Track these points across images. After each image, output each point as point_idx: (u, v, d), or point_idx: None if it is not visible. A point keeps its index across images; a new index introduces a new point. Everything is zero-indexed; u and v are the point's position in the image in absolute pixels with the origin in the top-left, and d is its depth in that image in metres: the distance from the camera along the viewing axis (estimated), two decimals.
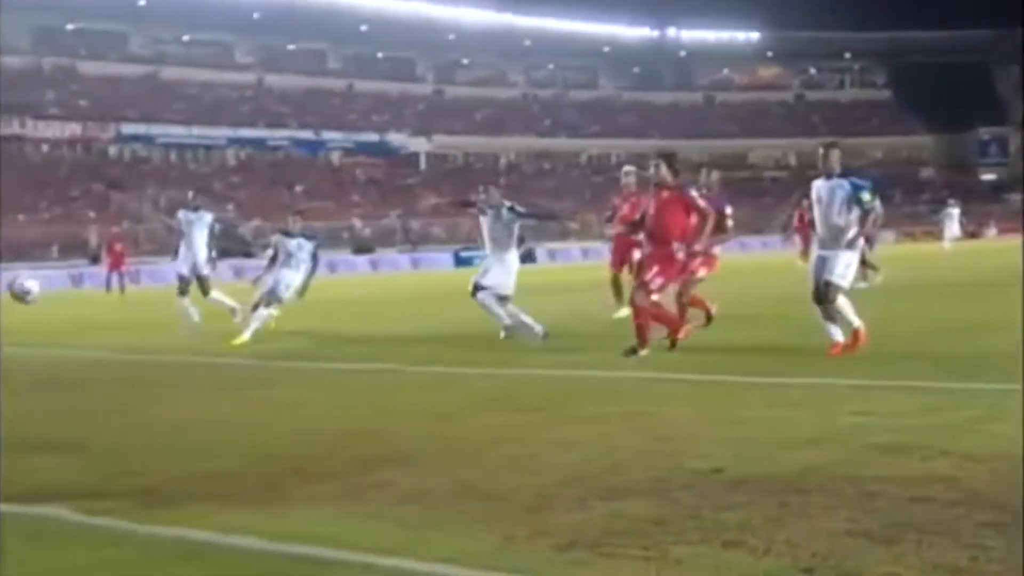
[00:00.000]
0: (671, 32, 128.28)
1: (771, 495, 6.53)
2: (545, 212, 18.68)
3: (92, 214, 76.57)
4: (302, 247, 19.31)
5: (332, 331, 20.81)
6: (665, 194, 14.47)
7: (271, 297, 18.69)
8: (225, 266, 58.71)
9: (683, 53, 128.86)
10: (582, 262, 66.34)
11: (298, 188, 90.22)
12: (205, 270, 21.69)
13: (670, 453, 7.91)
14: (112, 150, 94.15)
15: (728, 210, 17.20)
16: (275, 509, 6.76)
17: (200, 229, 21.95)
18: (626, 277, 19.08)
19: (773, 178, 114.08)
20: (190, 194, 24.45)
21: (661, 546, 5.59)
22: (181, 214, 22.53)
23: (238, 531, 6.20)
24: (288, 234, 19.52)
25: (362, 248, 77.57)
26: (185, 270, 21.84)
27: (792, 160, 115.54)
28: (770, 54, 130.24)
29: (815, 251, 14.13)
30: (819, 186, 13.81)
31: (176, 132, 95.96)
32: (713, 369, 12.72)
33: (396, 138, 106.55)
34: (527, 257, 70.80)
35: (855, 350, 13.08)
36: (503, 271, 16.80)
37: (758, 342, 15.46)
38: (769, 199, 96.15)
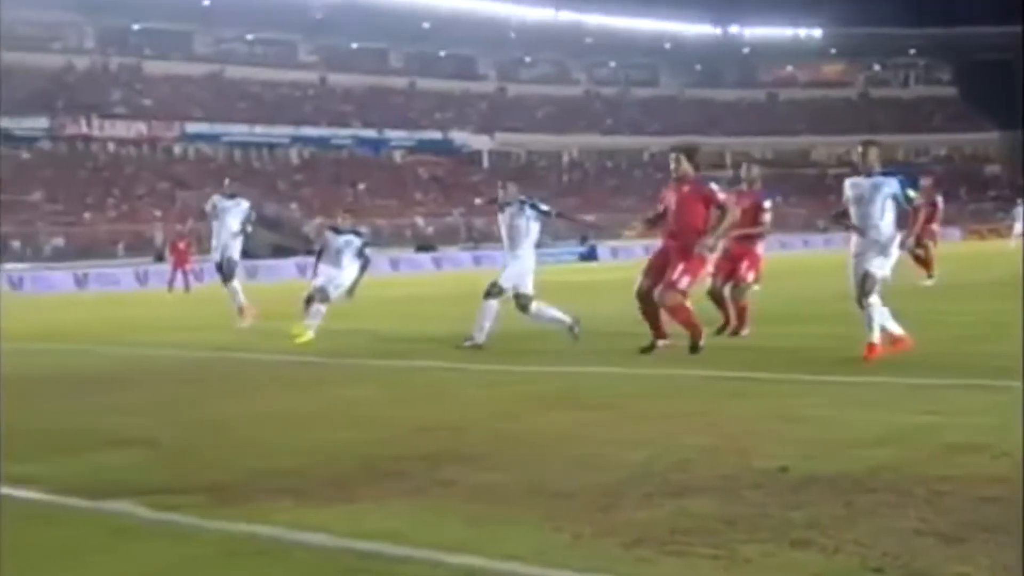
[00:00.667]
0: (734, 29, 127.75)
1: (839, 494, 6.51)
2: (567, 214, 18.23)
3: (157, 212, 77.12)
4: (350, 244, 19.15)
5: (395, 329, 20.87)
6: (686, 189, 14.40)
7: (322, 294, 18.64)
8: (290, 264, 59.44)
9: (746, 50, 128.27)
10: (644, 259, 66.10)
11: (361, 186, 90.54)
12: (235, 255, 21.72)
13: (736, 451, 7.90)
14: (177, 149, 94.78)
15: (767, 204, 17.17)
16: (344, 506, 6.81)
17: (234, 216, 21.92)
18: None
19: (836, 175, 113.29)
20: (226, 181, 24.36)
21: (729, 545, 5.59)
22: (216, 199, 22.54)
23: (308, 528, 6.25)
24: (337, 231, 19.39)
25: (424, 246, 77.67)
26: (218, 257, 21.93)
27: (856, 157, 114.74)
28: (834, 51, 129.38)
29: (852, 251, 13.60)
30: (856, 183, 13.55)
31: (240, 131, 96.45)
32: (776, 367, 12.70)
33: (459, 136, 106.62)
34: (588, 255, 70.97)
35: (882, 354, 12.89)
36: (519, 268, 16.65)
37: (820, 340, 15.38)
38: (833, 196, 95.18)
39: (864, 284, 13.08)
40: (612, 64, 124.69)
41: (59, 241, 70.26)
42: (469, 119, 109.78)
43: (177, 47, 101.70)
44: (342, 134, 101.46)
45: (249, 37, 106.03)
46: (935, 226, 27.18)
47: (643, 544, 5.67)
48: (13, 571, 5.92)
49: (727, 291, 16.78)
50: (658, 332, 14.48)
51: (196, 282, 47.62)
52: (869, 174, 13.45)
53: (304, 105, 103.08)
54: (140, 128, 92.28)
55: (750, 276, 16.78)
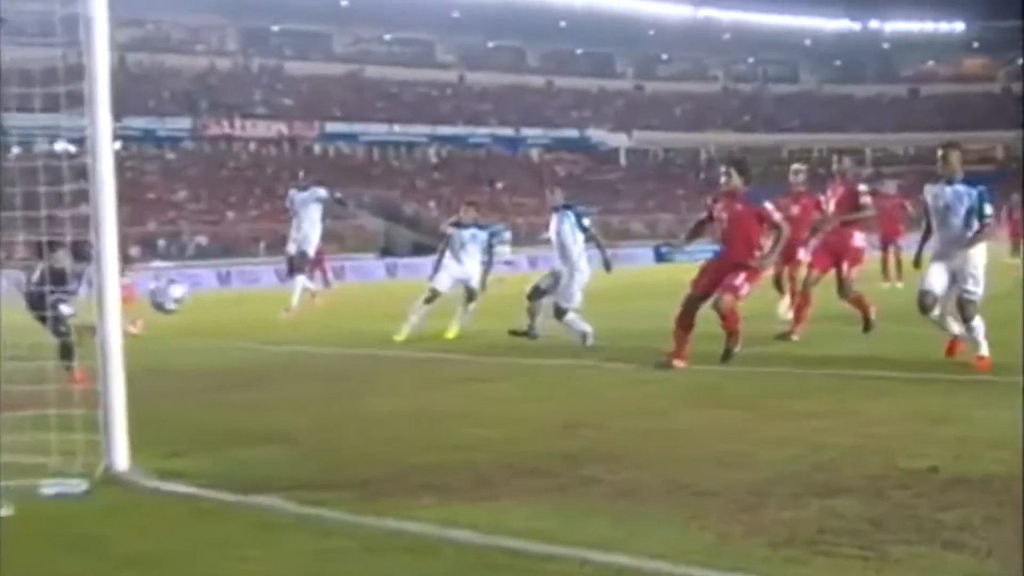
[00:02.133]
0: (873, 24, 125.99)
1: (990, 495, 6.43)
2: (598, 239, 17.85)
3: None
4: (476, 238, 18.91)
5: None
6: (739, 207, 13.90)
7: (471, 293, 18.55)
8: (428, 262, 59.55)
9: (886, 45, 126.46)
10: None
11: (499, 185, 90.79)
12: (309, 249, 21.62)
13: (882, 451, 7.84)
14: (317, 148, 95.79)
15: (862, 187, 17.01)
16: (488, 503, 6.87)
17: (309, 207, 21.85)
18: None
19: (978, 172, 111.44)
20: (300, 174, 24.36)
21: (879, 546, 5.54)
22: (292, 193, 22.53)
23: (455, 524, 6.31)
24: (461, 225, 19.07)
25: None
26: (293, 250, 21.85)
27: (999, 153, 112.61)
28: (976, 45, 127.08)
29: (931, 261, 12.79)
30: (939, 191, 12.68)
31: (378, 130, 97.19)
32: (918, 367, 12.53)
33: (596, 134, 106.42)
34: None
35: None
36: (567, 281, 16.69)
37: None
38: None
39: (964, 311, 12.33)
40: (750, 60, 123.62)
41: (202, 239, 71.33)
42: (606, 117, 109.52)
43: (317, 47, 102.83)
44: (479, 133, 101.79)
45: (387, 37, 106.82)
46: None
47: (791, 544, 5.65)
48: (171, 560, 6.07)
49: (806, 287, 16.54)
50: (680, 351, 13.51)
51: (337, 280, 48.01)
52: (950, 182, 12.65)
53: (442, 104, 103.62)
54: (280, 128, 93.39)
55: (854, 272, 16.36)
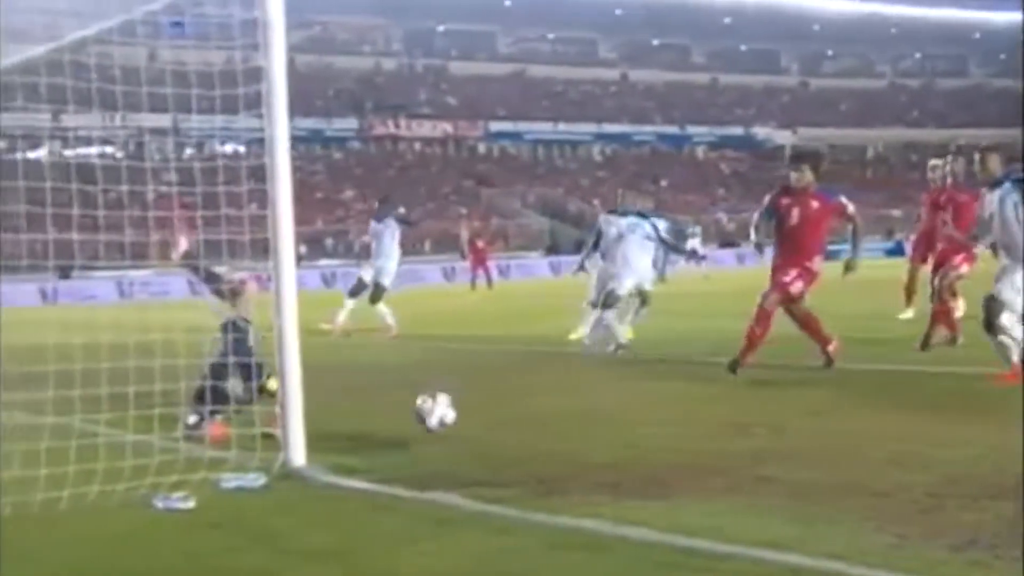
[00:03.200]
0: None
1: None
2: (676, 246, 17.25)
3: (462, 210, 78.53)
4: (656, 228, 17.73)
5: (704, 326, 20.63)
6: (815, 204, 13.25)
7: (642, 294, 18.21)
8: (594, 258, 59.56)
9: None
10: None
11: (663, 182, 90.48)
12: (385, 280, 21.63)
13: None
14: (481, 147, 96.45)
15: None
16: (663, 501, 6.86)
17: (385, 238, 21.88)
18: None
19: None
20: (376, 204, 24.46)
21: None
22: (372, 223, 22.61)
23: (630, 522, 6.31)
24: (616, 213, 17.61)
25: (728, 242, 77.13)
26: (369, 279, 21.85)
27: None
28: None
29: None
30: (989, 199, 11.93)
31: (543, 129, 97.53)
32: None
33: (761, 131, 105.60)
34: (895, 250, 69.02)
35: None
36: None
37: None
38: None
39: (991, 307, 11.40)
40: (917, 55, 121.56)
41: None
42: (771, 114, 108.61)
43: (481, 47, 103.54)
44: (644, 130, 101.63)
45: (551, 36, 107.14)
46: None
47: (973, 547, 5.55)
48: (350, 555, 6.16)
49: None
50: (823, 339, 13.38)
51: (502, 278, 48.29)
52: (992, 185, 11.93)
53: (606, 102, 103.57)
54: (445, 127, 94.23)
55: (964, 267, 15.50)
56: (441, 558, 5.96)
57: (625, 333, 17.11)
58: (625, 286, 16.87)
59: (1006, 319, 11.25)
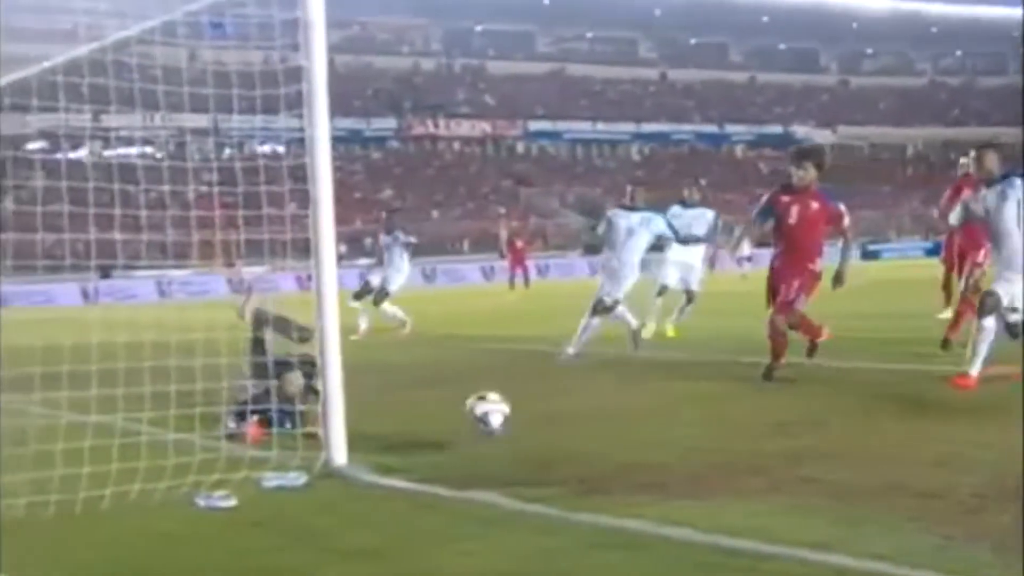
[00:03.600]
0: None
1: None
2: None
3: (501, 210, 78.58)
4: (702, 218, 18.09)
5: (739, 324, 20.54)
6: (815, 205, 12.73)
7: (688, 293, 18.19)
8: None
9: None
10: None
11: (702, 181, 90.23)
12: (391, 287, 21.96)
13: None
14: (520, 147, 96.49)
15: None
16: (704, 501, 6.84)
17: (394, 252, 22.13)
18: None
19: None
20: (383, 214, 24.79)
21: None
22: (381, 236, 22.86)
23: (672, 522, 6.30)
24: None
25: (764, 242, 76.94)
26: (376, 282, 22.27)
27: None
28: None
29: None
30: (982, 197, 11.71)
31: (581, 128, 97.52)
32: None
33: (800, 130, 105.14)
34: (936, 250, 69.01)
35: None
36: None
37: None
38: None
39: (983, 303, 11.31)
40: (957, 53, 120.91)
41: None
42: (810, 113, 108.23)
43: (519, 47, 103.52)
44: (683, 129, 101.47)
45: (589, 35, 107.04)
46: None
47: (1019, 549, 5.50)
48: (392, 553, 6.17)
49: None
50: (814, 334, 12.99)
51: (540, 277, 48.27)
52: (990, 183, 11.65)
53: (644, 101, 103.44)
54: (484, 127, 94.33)
55: (986, 262, 15.12)
56: (483, 557, 5.97)
57: (653, 330, 17.66)
58: (616, 293, 16.05)
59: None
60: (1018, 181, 11.43)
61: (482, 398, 9.36)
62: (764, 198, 13.28)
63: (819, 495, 6.88)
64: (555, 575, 5.72)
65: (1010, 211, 11.34)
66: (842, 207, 12.97)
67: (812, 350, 13.13)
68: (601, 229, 16.48)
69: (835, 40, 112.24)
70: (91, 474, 7.51)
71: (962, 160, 18.42)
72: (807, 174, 12.79)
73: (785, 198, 12.84)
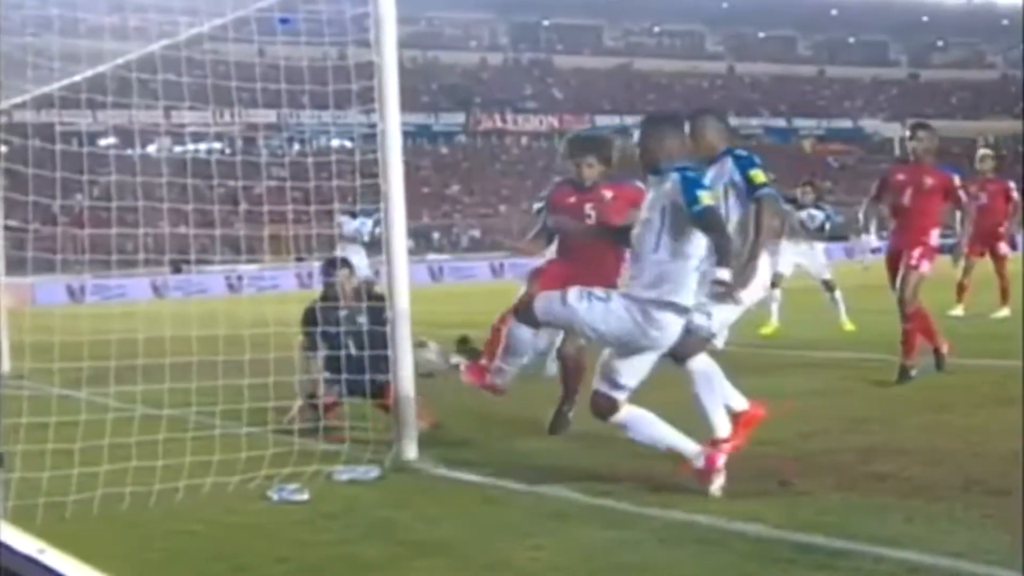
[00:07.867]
0: None
1: None
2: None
3: None
4: (813, 219, 18.05)
5: (809, 320, 20.32)
6: (930, 181, 12.13)
7: (826, 283, 17.93)
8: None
9: None
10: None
11: (771, 175, 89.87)
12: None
13: None
14: None
15: (1011, 184, 16.78)
16: (777, 497, 6.81)
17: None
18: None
19: None
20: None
21: None
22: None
23: (744, 518, 6.29)
24: (795, 203, 17.70)
25: (837, 236, 76.45)
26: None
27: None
28: None
29: None
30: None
31: None
32: None
33: (869, 124, 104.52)
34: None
35: None
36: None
37: None
38: None
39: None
40: None
41: (475, 232, 72.46)
42: (880, 106, 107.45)
43: (586, 41, 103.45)
44: (751, 123, 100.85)
45: (656, 29, 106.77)
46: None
47: None
48: (464, 547, 6.20)
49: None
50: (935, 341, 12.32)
51: None
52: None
53: (712, 95, 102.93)
54: (551, 122, 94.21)
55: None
56: (554, 551, 5.98)
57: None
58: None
59: None
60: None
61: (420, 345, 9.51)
62: (878, 181, 12.92)
63: (893, 491, 6.83)
64: (626, 570, 5.71)
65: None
66: (956, 178, 12.44)
67: (939, 359, 12.41)
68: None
69: (905, 33, 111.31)
70: (165, 467, 7.59)
71: (980, 152, 18.42)
72: (924, 144, 12.35)
73: (902, 173, 12.44)
